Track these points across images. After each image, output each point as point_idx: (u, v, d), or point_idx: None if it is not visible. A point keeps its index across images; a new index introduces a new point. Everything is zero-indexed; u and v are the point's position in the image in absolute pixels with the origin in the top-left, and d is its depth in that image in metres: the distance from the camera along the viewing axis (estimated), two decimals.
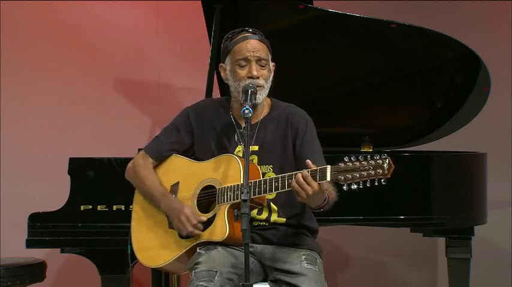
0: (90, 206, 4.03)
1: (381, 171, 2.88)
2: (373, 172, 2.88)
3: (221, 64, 3.37)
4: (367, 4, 5.43)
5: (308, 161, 3.03)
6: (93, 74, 5.48)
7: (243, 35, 3.30)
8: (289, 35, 4.42)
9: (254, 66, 3.26)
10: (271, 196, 3.27)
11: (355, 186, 2.92)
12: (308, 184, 2.98)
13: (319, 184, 2.98)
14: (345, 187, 2.94)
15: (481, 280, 5.01)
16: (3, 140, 5.34)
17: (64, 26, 5.47)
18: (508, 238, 5.53)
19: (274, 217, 3.29)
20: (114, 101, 5.50)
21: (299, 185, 2.99)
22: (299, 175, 3.00)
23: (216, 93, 4.42)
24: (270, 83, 3.30)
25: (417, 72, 4.65)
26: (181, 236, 3.29)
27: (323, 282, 3.18)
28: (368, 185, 2.91)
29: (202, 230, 3.23)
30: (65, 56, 5.46)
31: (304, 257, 3.23)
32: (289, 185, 3.04)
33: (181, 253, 3.27)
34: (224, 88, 3.39)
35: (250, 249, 3.13)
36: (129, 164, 3.47)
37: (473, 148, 4.61)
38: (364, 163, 2.90)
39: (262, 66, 3.28)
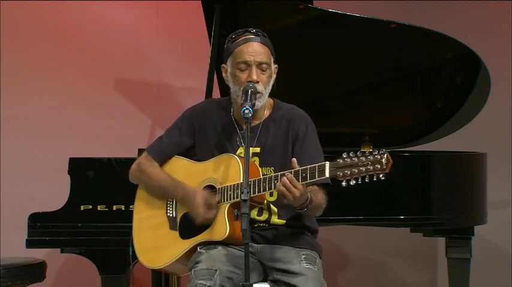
0: (90, 206, 4.03)
1: (379, 166, 2.88)
2: (371, 167, 2.89)
3: (223, 65, 3.35)
4: (367, 4, 5.42)
5: (294, 159, 3.06)
6: (93, 74, 5.47)
7: (245, 37, 3.28)
8: (289, 35, 4.42)
9: (254, 70, 3.24)
10: (272, 198, 3.27)
11: (354, 182, 2.93)
12: (294, 186, 3.00)
13: (302, 184, 3.00)
14: (343, 183, 2.94)
15: (481, 280, 5.00)
16: (3, 140, 5.33)
17: (64, 26, 5.46)
18: (508, 238, 5.53)
19: (274, 219, 3.29)
20: (114, 101, 5.50)
21: (286, 189, 3.01)
22: (284, 179, 3.01)
23: (216, 93, 4.42)
24: (270, 87, 3.29)
25: (417, 72, 4.65)
26: (182, 237, 3.29)
27: (322, 282, 3.18)
28: (367, 180, 2.91)
29: (203, 231, 3.23)
30: (65, 56, 5.45)
31: (303, 256, 3.22)
32: None
33: (181, 254, 3.27)
34: (224, 88, 3.38)
35: (250, 249, 3.12)
36: (133, 166, 3.46)
37: (473, 148, 4.61)
38: (363, 158, 2.91)
39: (263, 70, 3.25)
